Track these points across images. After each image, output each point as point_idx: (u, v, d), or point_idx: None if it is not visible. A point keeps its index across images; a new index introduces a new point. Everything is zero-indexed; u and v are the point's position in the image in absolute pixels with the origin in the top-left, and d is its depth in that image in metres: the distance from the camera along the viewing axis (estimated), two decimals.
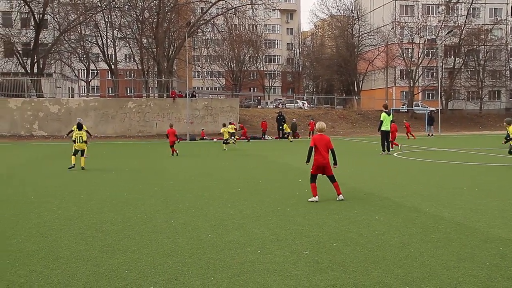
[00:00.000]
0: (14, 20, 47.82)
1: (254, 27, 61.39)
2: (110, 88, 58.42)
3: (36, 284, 5.19)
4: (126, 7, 48.11)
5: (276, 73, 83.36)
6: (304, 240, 6.85)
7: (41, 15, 45.17)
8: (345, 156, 20.69)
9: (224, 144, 25.86)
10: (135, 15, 47.68)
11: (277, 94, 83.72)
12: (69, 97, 51.28)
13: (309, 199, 9.75)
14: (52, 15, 48.28)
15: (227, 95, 59.75)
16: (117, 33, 50.50)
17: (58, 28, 48.61)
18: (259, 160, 20.34)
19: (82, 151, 16.51)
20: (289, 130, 37.14)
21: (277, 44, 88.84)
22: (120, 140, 35.63)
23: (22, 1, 43.92)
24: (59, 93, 51.51)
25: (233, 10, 46.46)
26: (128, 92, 60.99)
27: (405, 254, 6.07)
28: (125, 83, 61.45)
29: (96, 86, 73.65)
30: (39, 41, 45.94)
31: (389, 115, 21.45)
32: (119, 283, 5.19)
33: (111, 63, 51.59)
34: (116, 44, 51.90)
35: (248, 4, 47.38)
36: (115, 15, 49.10)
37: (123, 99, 44.70)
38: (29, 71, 45.35)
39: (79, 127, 16.97)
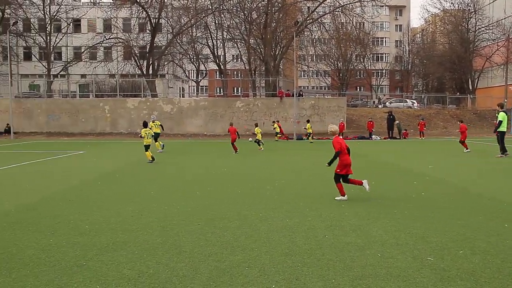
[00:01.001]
0: (133, 26, 51.09)
1: (362, 25, 60.10)
2: (218, 88, 60.31)
3: (164, 275, 5.42)
4: (235, 8, 49.37)
5: (383, 71, 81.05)
6: (427, 245, 6.53)
7: (156, 20, 47.81)
8: (461, 159, 19.57)
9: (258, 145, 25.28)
10: (243, 16, 48.76)
11: (385, 93, 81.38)
12: (180, 97, 53.67)
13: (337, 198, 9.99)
14: (166, 19, 50.98)
15: (333, 95, 59.12)
16: (226, 34, 52.01)
17: (171, 31, 51.20)
18: (362, 159, 19.80)
19: (147, 146, 18.50)
20: (310, 131, 33.21)
21: (385, 41, 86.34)
22: (228, 139, 36.57)
23: (140, 8, 46.74)
24: (171, 93, 54.26)
25: (340, 8, 45.83)
26: (236, 91, 62.63)
27: None
28: (233, 83, 63.17)
29: (205, 86, 76.37)
30: (154, 44, 48.65)
31: (506, 114, 19.96)
32: (241, 280, 5.27)
33: (220, 64, 53.22)
34: (225, 45, 53.43)
35: (357, 2, 46.46)
36: (224, 16, 50.59)
37: (231, 98, 45.91)
38: (144, 73, 48.17)
39: (145, 125, 19.05)
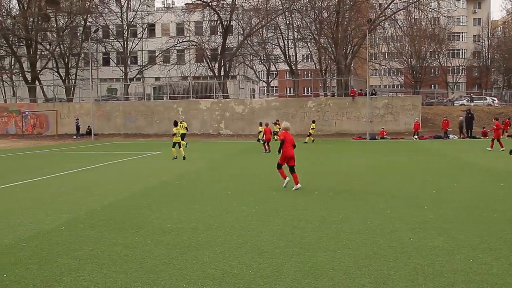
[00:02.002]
0: (205, 29, 52.15)
1: (437, 20, 57.91)
2: (288, 88, 60.26)
3: (247, 276, 5.43)
4: (305, 8, 49.13)
5: (460, 68, 77.66)
6: None
7: (227, 22, 48.50)
8: None
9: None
10: (314, 16, 48.42)
11: (461, 90, 77.92)
12: (251, 98, 54.10)
13: (284, 184, 11.62)
14: (237, 21, 51.60)
15: (407, 93, 57.38)
16: (297, 35, 51.85)
17: (242, 33, 51.76)
18: (441, 159, 18.98)
19: (179, 143, 20.24)
20: (312, 131, 31.98)
21: (462, 36, 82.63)
22: (300, 138, 36.44)
23: (212, 11, 47.62)
24: (242, 93, 54.82)
25: (415, 3, 44.41)
26: (307, 91, 62.31)
27: None
28: (304, 83, 62.89)
29: (275, 87, 76.54)
30: (226, 46, 49.38)
31: None
32: (325, 283, 5.18)
33: (291, 64, 53.14)
34: (295, 45, 53.29)
35: None
36: (295, 16, 50.47)
37: (303, 98, 45.69)
38: (216, 74, 49.00)
39: (175, 124, 20.98)
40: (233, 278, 5.36)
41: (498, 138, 23.06)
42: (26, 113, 46.02)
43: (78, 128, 42.30)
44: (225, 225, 7.89)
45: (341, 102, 41.66)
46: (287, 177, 11.63)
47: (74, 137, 41.73)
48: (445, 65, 73.04)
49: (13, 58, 53.68)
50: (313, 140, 31.69)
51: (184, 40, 52.63)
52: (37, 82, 51.82)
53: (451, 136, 35.89)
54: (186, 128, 27.40)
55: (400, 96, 49.49)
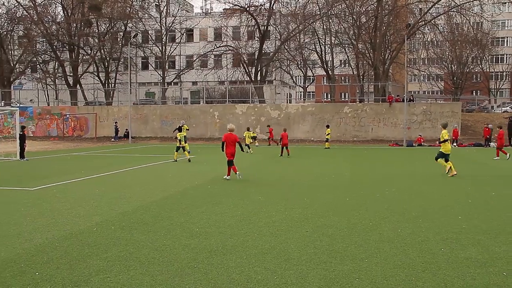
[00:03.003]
0: (242, 34, 52.50)
1: (480, 25, 56.48)
2: (325, 93, 59.91)
3: (272, 282, 5.41)
4: (343, 13, 48.83)
5: (504, 74, 75.46)
6: None
7: (265, 27, 48.65)
8: None
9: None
10: (352, 21, 48.06)
11: (505, 97, 75.67)
12: (287, 103, 54.06)
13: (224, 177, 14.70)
14: (274, 26, 51.72)
15: (447, 99, 56.15)
16: (334, 40, 51.59)
17: (279, 38, 51.84)
18: (480, 167, 18.45)
19: (183, 147, 21.71)
20: (329, 137, 32.35)
21: (507, 41, 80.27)
22: (336, 144, 36.15)
23: (249, 16, 47.88)
24: (278, 98, 54.86)
25: (456, 8, 43.46)
26: (343, 97, 61.80)
27: None
28: (340, 88, 62.42)
29: (312, 92, 76.21)
30: (263, 51, 49.54)
31: None
32: None
33: (328, 69, 52.86)
34: (333, 50, 53.01)
35: (475, 0, 43.72)
36: (333, 21, 50.23)
37: (339, 104, 45.33)
38: (253, 79, 49.19)
39: (180, 129, 22.77)
40: (257, 284, 5.34)
41: (501, 146, 23.20)
42: (67, 115, 47.31)
43: (117, 131, 43.20)
44: (254, 230, 7.89)
45: (378, 108, 41.13)
46: (230, 175, 14.68)
47: (112, 139, 42.63)
48: (488, 70, 71.14)
49: (56, 63, 55.39)
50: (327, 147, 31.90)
51: (221, 45, 53.12)
52: (78, 86, 53.28)
53: (492, 144, 34.88)
54: (187, 129, 29.94)
55: (439, 102, 48.44)
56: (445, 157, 15.80)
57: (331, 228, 7.96)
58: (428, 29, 47.44)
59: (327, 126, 33.04)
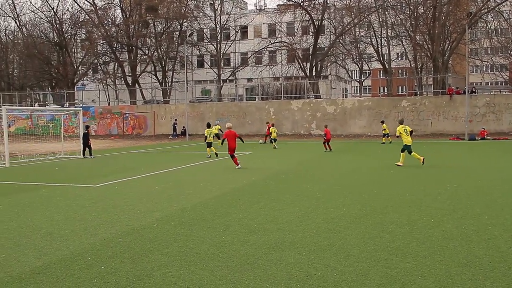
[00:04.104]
0: (296, 29, 52.26)
1: None
2: (382, 87, 58.76)
3: (332, 279, 5.35)
4: (400, 5, 47.64)
5: None
6: None
7: (319, 22, 48.20)
8: None
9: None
10: (409, 12, 46.81)
11: None
12: (343, 97, 53.38)
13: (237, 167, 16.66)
14: (328, 20, 51.18)
15: None
16: (391, 32, 50.41)
17: (334, 32, 51.23)
18: None
19: (211, 143, 22.83)
20: (387, 131, 31.47)
21: None
22: (393, 139, 35.37)
23: (303, 11, 47.59)
24: (334, 94, 54.25)
25: None
26: (401, 90, 60.36)
27: None
28: (397, 82, 60.97)
29: (368, 86, 74.91)
30: (317, 46, 49.11)
31: None
32: None
33: (385, 62, 51.76)
34: (389, 43, 51.85)
35: None
36: (389, 14, 49.12)
37: (396, 97, 44.30)
38: (308, 75, 48.87)
39: (208, 125, 24.10)
40: (317, 280, 5.30)
41: None
42: (127, 114, 48.78)
43: (175, 129, 44.14)
44: (312, 226, 7.84)
45: (437, 101, 39.88)
46: (239, 164, 16.76)
47: (170, 137, 43.60)
48: None
49: (116, 64, 57.24)
50: (390, 141, 31.43)
51: (275, 41, 53.08)
52: (136, 85, 54.81)
53: None
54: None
55: (504, 93, 46.34)
56: (407, 148, 16.93)
57: (391, 225, 7.79)
58: (492, 17, 45.52)
59: (382, 122, 32.50)
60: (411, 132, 17.36)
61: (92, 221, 8.57)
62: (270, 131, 30.33)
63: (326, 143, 24.87)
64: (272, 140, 29.55)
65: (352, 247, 6.57)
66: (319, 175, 14.97)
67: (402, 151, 17.14)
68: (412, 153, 16.97)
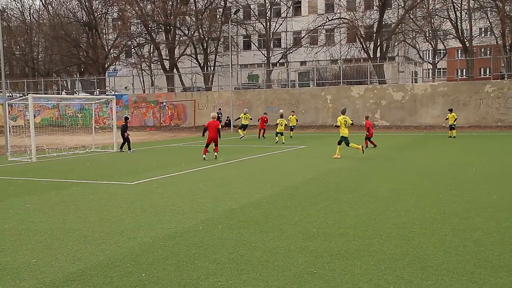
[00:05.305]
0: (359, 3, 51.62)
1: None
2: (460, 70, 57.30)
3: None
4: None
5: None
6: None
7: None
8: None
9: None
10: None
11: None
12: (412, 82, 52.41)
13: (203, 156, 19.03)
14: None
15: None
16: (473, 3, 48.78)
17: (403, 5, 50.23)
18: None
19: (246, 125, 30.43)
20: (454, 123, 28.78)
21: None
22: (473, 130, 34.51)
23: None
24: (401, 78, 53.25)
25: None
26: (484, 73, 58.61)
27: None
28: (480, 63, 59.21)
29: (443, 69, 73.26)
30: (383, 23, 48.33)
31: None
32: None
33: (465, 40, 50.21)
34: (471, 16, 50.23)
35: None
36: None
37: (478, 82, 43.01)
38: (371, 56, 48.23)
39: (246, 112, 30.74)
40: None
41: None
42: (164, 103, 49.61)
43: (218, 119, 44.45)
44: (380, 232, 7.74)
45: None
46: (205, 155, 19.20)
47: None
48: None
49: (151, 46, 58.11)
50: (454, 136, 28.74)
51: (334, 18, 52.59)
52: (175, 70, 55.53)
53: None
54: (251, 119, 34.14)
55: None
56: (344, 140, 18.74)
57: (477, 232, 7.59)
58: None
59: (450, 110, 30.22)
60: (351, 123, 19.53)
61: (130, 223, 8.77)
62: (278, 123, 28.69)
63: (368, 139, 23.39)
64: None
65: (430, 257, 6.44)
66: (386, 172, 14.77)
67: (339, 143, 18.93)
68: (350, 144, 18.78)
